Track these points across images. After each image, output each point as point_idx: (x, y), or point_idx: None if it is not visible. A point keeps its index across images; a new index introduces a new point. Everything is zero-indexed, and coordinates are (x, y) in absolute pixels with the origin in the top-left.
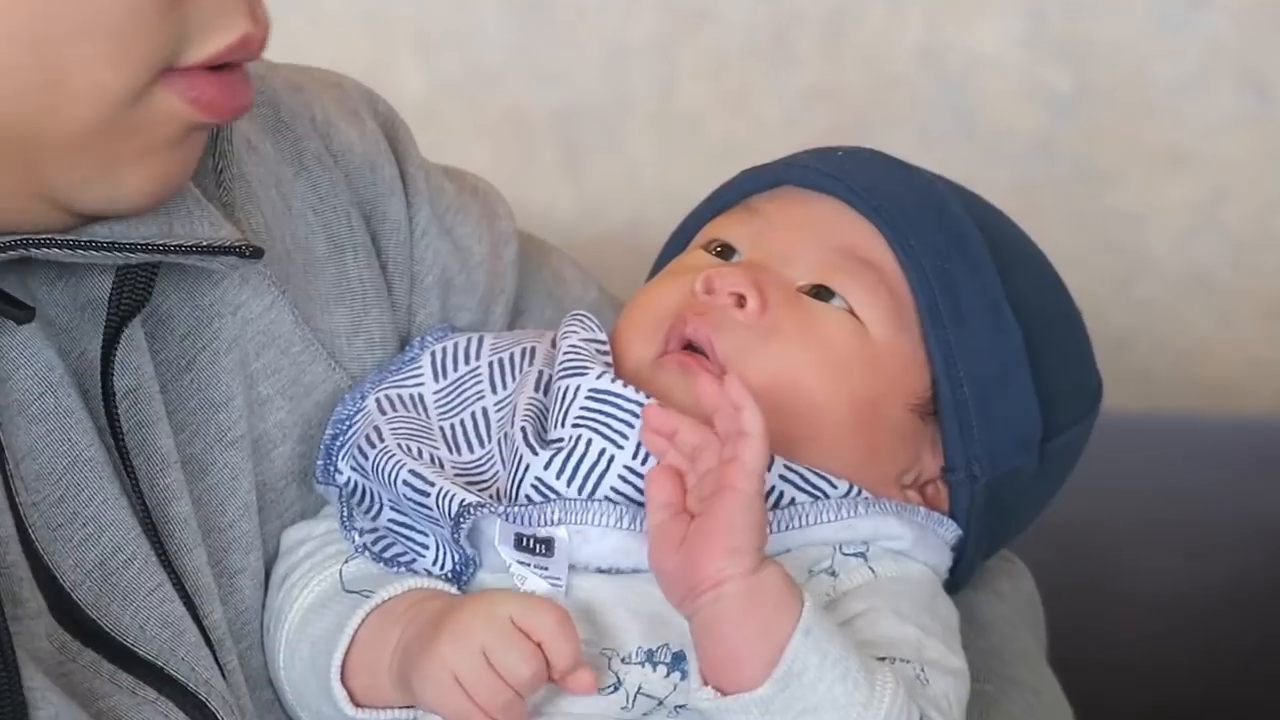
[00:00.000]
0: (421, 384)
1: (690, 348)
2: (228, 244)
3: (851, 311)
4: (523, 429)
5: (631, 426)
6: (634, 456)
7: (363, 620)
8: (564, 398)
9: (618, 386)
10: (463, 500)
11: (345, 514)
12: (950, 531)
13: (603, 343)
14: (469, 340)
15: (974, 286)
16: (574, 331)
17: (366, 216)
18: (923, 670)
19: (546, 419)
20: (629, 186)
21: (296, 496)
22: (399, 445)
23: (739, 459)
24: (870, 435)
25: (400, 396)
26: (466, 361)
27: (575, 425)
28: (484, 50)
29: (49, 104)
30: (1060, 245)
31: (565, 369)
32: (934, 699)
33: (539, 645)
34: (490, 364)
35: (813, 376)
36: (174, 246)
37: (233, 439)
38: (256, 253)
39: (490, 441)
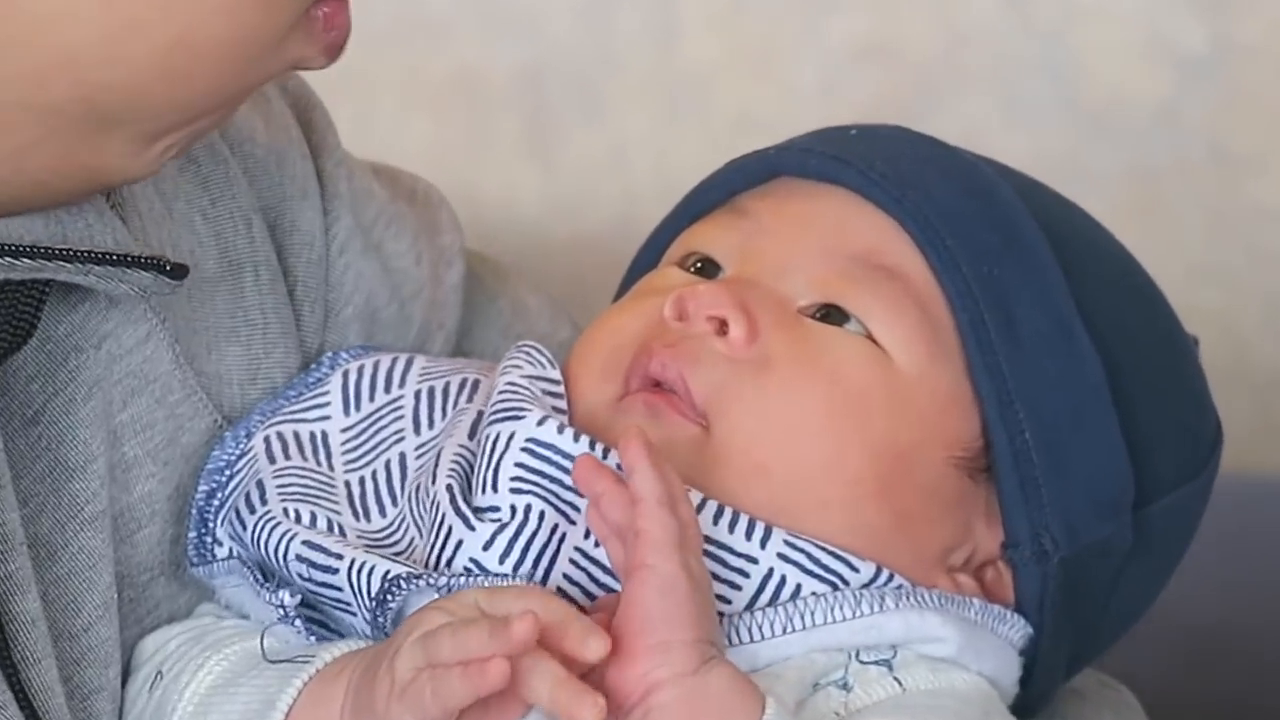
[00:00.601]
0: (327, 417)
1: (660, 388)
2: (143, 256)
3: (870, 336)
4: (448, 488)
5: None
6: (586, 536)
7: (300, 690)
8: (493, 449)
9: (563, 439)
10: (387, 573)
11: (259, 579)
12: (1017, 630)
13: (554, 381)
14: (394, 362)
15: (1033, 297)
16: (516, 366)
17: (271, 226)
18: None
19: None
20: (614, 173)
21: (164, 595)
22: (285, 510)
23: (642, 532)
24: (900, 499)
25: (298, 435)
26: (387, 389)
27: (516, 490)
28: None
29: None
30: (1189, 251)
31: (498, 412)
32: None
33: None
34: (418, 393)
35: (819, 421)
36: (79, 254)
37: (90, 515)
38: (179, 271)
39: (403, 500)
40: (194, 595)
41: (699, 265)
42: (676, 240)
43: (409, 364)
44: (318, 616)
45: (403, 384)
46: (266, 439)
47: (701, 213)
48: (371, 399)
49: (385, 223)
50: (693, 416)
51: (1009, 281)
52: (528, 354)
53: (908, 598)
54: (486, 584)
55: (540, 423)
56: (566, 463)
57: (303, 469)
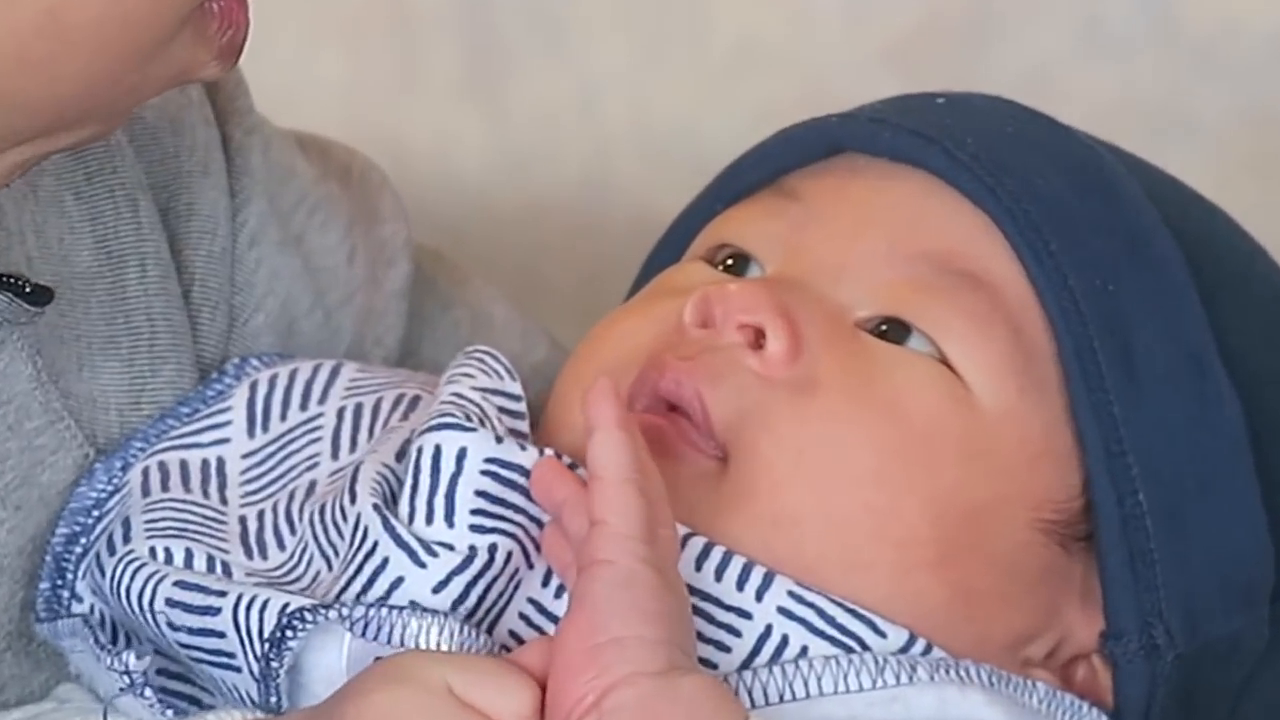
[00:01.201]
0: (226, 440)
1: (672, 411)
2: None
3: (944, 361)
4: (376, 508)
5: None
6: (545, 584)
7: None
8: (436, 468)
9: (529, 456)
10: (286, 606)
11: (102, 641)
12: None
13: (514, 398)
14: (315, 371)
15: (1160, 324)
16: (466, 375)
17: (163, 210)
18: None
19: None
20: (579, 120)
21: (11, 675)
22: (152, 549)
23: (599, 522)
24: (965, 569)
25: (185, 465)
26: (304, 405)
27: (478, 528)
28: None
29: None
30: None
31: (440, 422)
32: None
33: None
34: (341, 411)
35: (870, 464)
36: None
37: None
38: (42, 295)
39: (302, 525)
40: (52, 674)
41: (731, 261)
42: (706, 228)
43: (334, 374)
44: (179, 688)
45: (324, 399)
46: (145, 470)
47: (739, 195)
48: (284, 418)
49: (310, 209)
50: (708, 449)
51: (1130, 302)
52: (480, 361)
53: (945, 670)
54: (421, 628)
55: (500, 440)
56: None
57: (182, 502)
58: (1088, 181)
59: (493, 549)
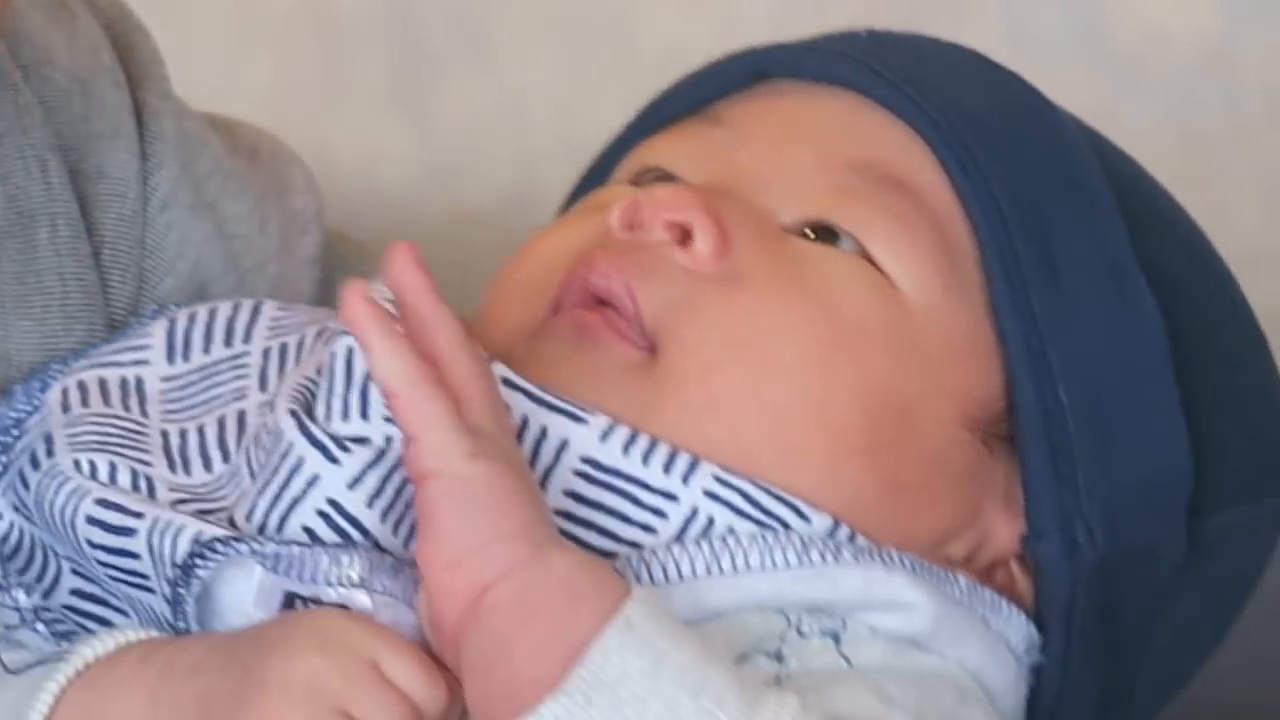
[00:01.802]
0: (145, 362)
1: (601, 305)
2: None
3: (870, 260)
4: (293, 413)
5: None
6: None
7: (58, 697)
8: (350, 366)
9: None
10: (199, 535)
11: (8, 572)
12: (1016, 629)
13: None
14: (235, 310)
15: (1083, 235)
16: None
17: (73, 171)
18: None
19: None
20: (506, 129)
21: None
22: (76, 461)
23: (411, 438)
24: (893, 460)
25: (104, 382)
26: (228, 342)
27: (393, 419)
28: None
29: None
30: (1245, 232)
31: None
32: None
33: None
34: (266, 351)
35: (801, 352)
36: None
37: None
38: None
39: (238, 454)
40: None
41: (656, 181)
42: (629, 155)
43: (255, 313)
44: (94, 610)
45: (248, 338)
46: (65, 390)
47: (665, 124)
48: (206, 351)
49: (223, 177)
50: (637, 339)
51: (1053, 211)
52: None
53: (870, 554)
54: (333, 564)
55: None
56: None
57: (104, 415)
58: (1014, 101)
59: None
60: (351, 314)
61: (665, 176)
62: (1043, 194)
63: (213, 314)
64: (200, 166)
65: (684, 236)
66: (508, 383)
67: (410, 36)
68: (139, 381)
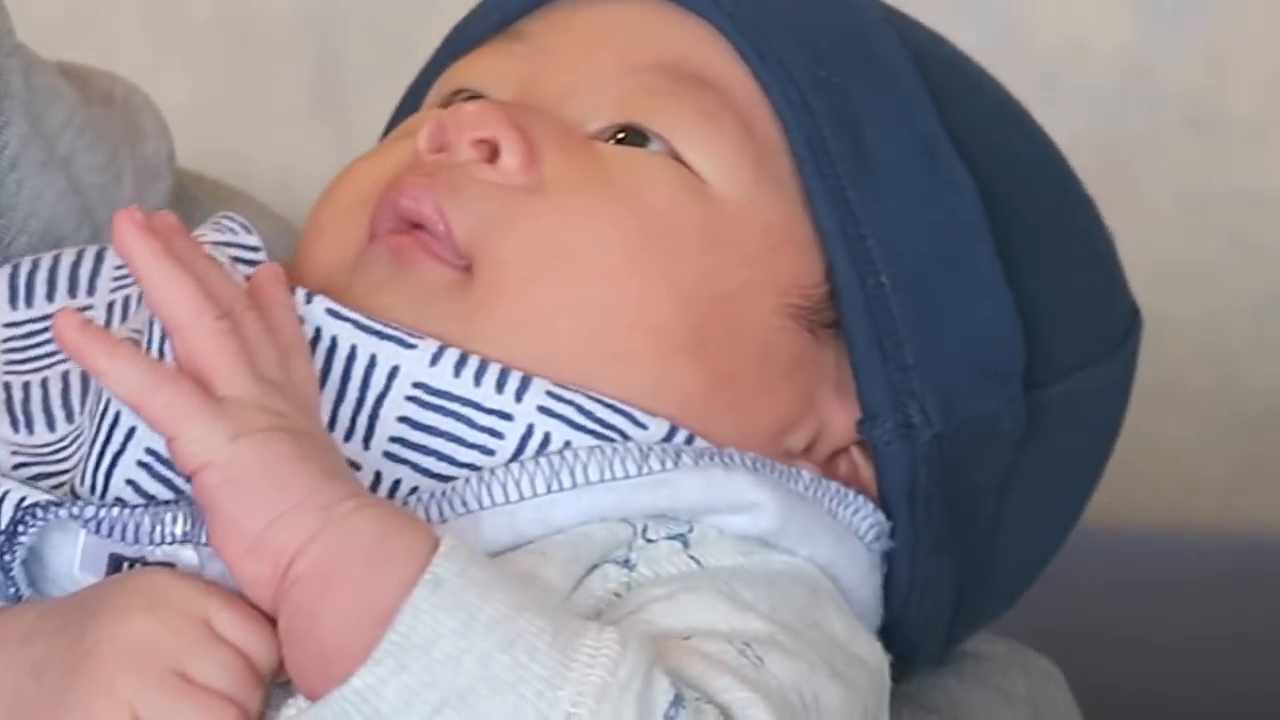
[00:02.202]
0: None
1: (416, 230)
2: None
3: (679, 159)
4: None
5: None
6: None
7: None
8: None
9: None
10: (21, 501)
11: None
12: (864, 517)
13: (249, 248)
14: (79, 257)
15: (889, 113)
16: (198, 235)
17: None
18: (748, 649)
19: None
20: None
21: None
22: None
23: (169, 438)
24: (718, 355)
25: None
26: (72, 292)
27: None
28: None
29: None
30: (1162, 242)
31: None
32: (770, 686)
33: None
34: (111, 305)
35: (614, 255)
36: None
37: None
38: None
39: (82, 414)
40: None
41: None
42: (438, 80)
43: (99, 260)
44: None
45: (92, 289)
46: None
47: (472, 46)
48: (50, 299)
49: (77, 130)
50: (452, 259)
51: (857, 93)
52: (215, 223)
53: (710, 457)
54: (156, 522)
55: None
56: None
57: None
58: None
59: None
60: (71, 342)
61: (474, 97)
62: (846, 78)
63: (56, 260)
64: (52, 121)
65: (491, 153)
66: (333, 313)
67: (329, 50)
68: None
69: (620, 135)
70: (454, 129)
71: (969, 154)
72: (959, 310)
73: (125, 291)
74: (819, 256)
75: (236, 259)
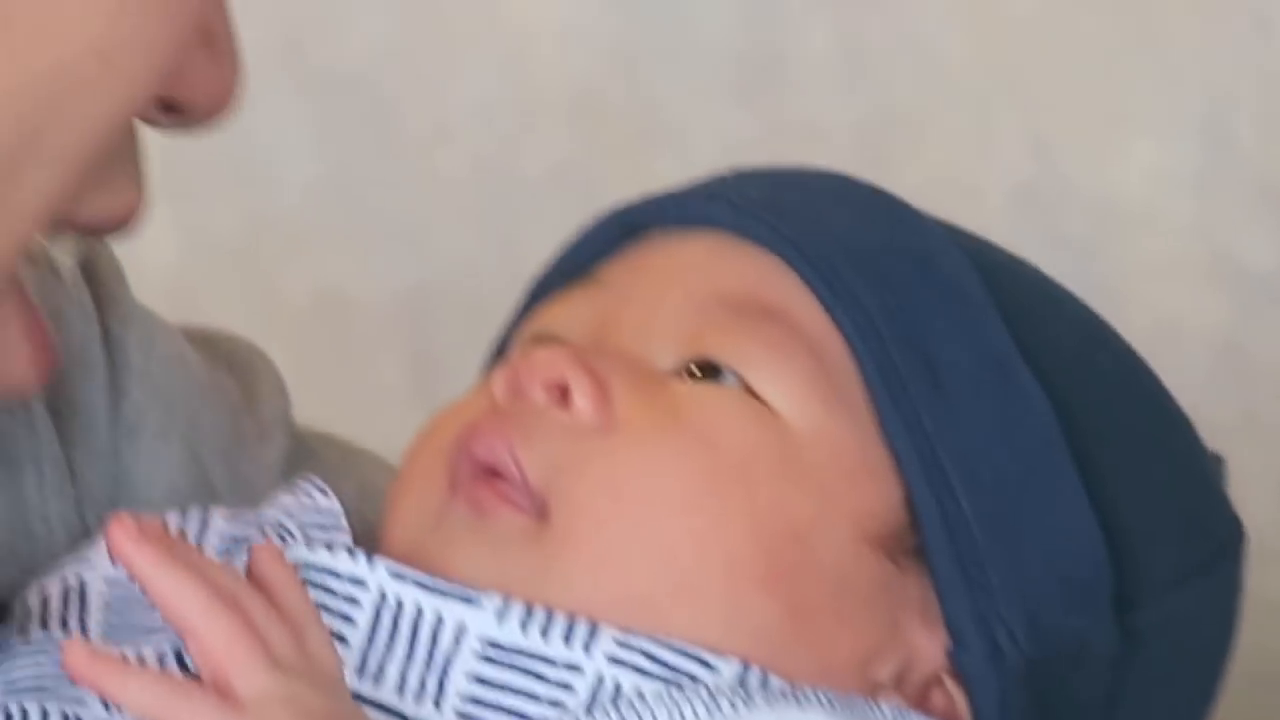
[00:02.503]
0: (89, 563)
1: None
2: None
3: (751, 392)
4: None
5: (350, 622)
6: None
7: None
8: None
9: (335, 559)
10: None
11: None
12: None
13: (330, 513)
14: (184, 520)
15: (958, 332)
16: (274, 501)
17: (49, 409)
18: None
19: None
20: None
21: None
22: (8, 710)
23: None
24: (795, 588)
25: (47, 599)
26: (410, 657)
27: None
28: None
29: None
30: (1257, 529)
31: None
32: None
33: None
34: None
35: (685, 492)
36: None
37: None
38: None
39: None
40: None
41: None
42: (521, 328)
43: (204, 525)
44: None
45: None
46: (21, 602)
47: (551, 292)
48: None
49: (198, 398)
50: (527, 504)
51: (926, 315)
52: (292, 487)
53: (784, 695)
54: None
55: (334, 550)
56: (324, 584)
57: (42, 643)
58: (874, 213)
59: None
60: (83, 674)
61: (554, 340)
62: (913, 301)
63: (162, 524)
64: (172, 389)
65: (563, 396)
66: (395, 575)
67: (426, 333)
68: (82, 586)
69: (694, 370)
70: (526, 374)
71: (1045, 371)
72: (1042, 531)
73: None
74: (897, 482)
75: (314, 524)
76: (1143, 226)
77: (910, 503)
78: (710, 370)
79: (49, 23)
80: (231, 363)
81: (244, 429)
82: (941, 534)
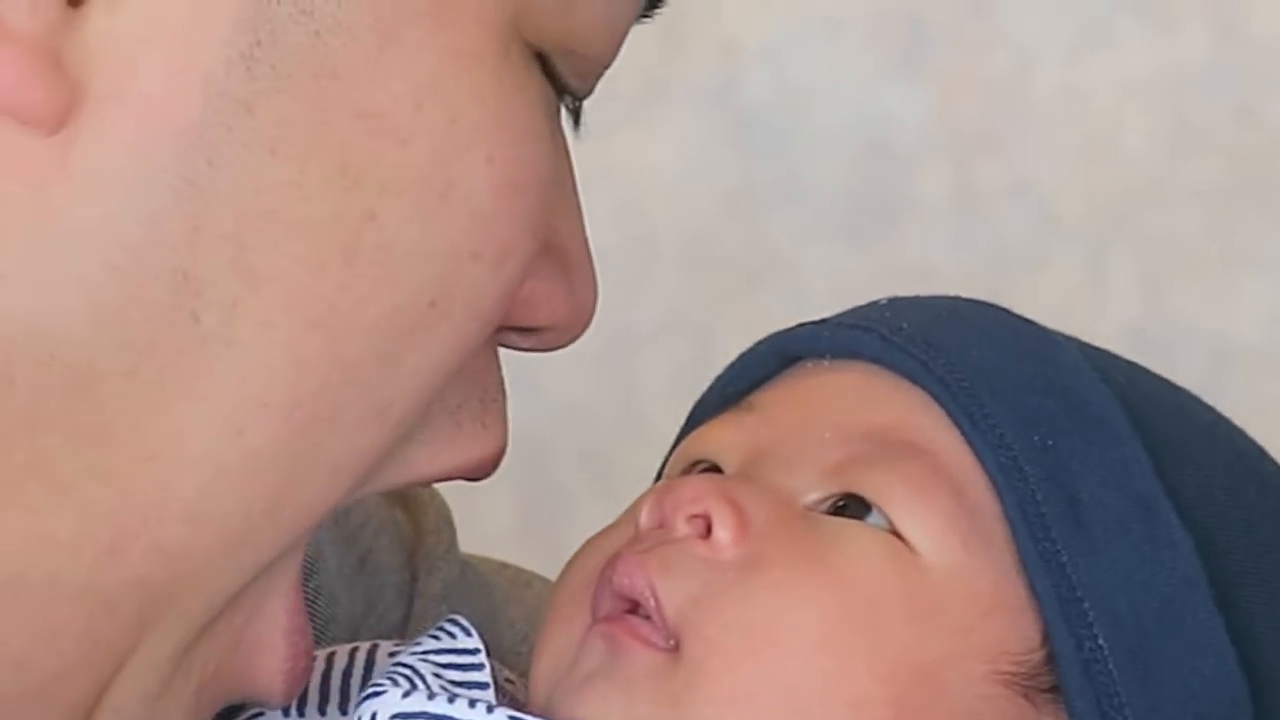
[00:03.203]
0: (260, 714)
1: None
2: None
3: (893, 529)
4: None
5: None
6: None
7: None
8: None
9: (456, 708)
10: None
11: None
12: None
13: (469, 652)
14: (352, 659)
15: (1104, 473)
16: (416, 645)
17: None
18: None
19: None
20: None
21: None
22: None
23: None
24: None
25: None
26: (343, 706)
27: None
28: None
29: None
30: None
31: (369, 690)
32: None
33: None
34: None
35: (816, 633)
36: None
37: None
38: None
39: None
40: None
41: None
42: (675, 451)
43: (370, 662)
44: None
45: (344, 706)
46: None
47: (707, 418)
48: (322, 711)
49: (376, 528)
50: (660, 641)
51: (1070, 454)
52: (435, 630)
53: None
54: None
55: (407, 694)
56: None
57: None
58: (1022, 349)
59: None
60: None
61: (710, 466)
62: (1058, 438)
63: (330, 662)
64: (354, 518)
65: (706, 528)
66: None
67: (540, 470)
68: None
69: (840, 504)
70: (670, 504)
71: (1189, 508)
72: (1180, 669)
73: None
74: (1034, 621)
75: (449, 664)
76: (1259, 366)
77: (1048, 641)
78: (858, 505)
79: (388, 264)
80: (404, 499)
81: (418, 564)
82: (1078, 672)
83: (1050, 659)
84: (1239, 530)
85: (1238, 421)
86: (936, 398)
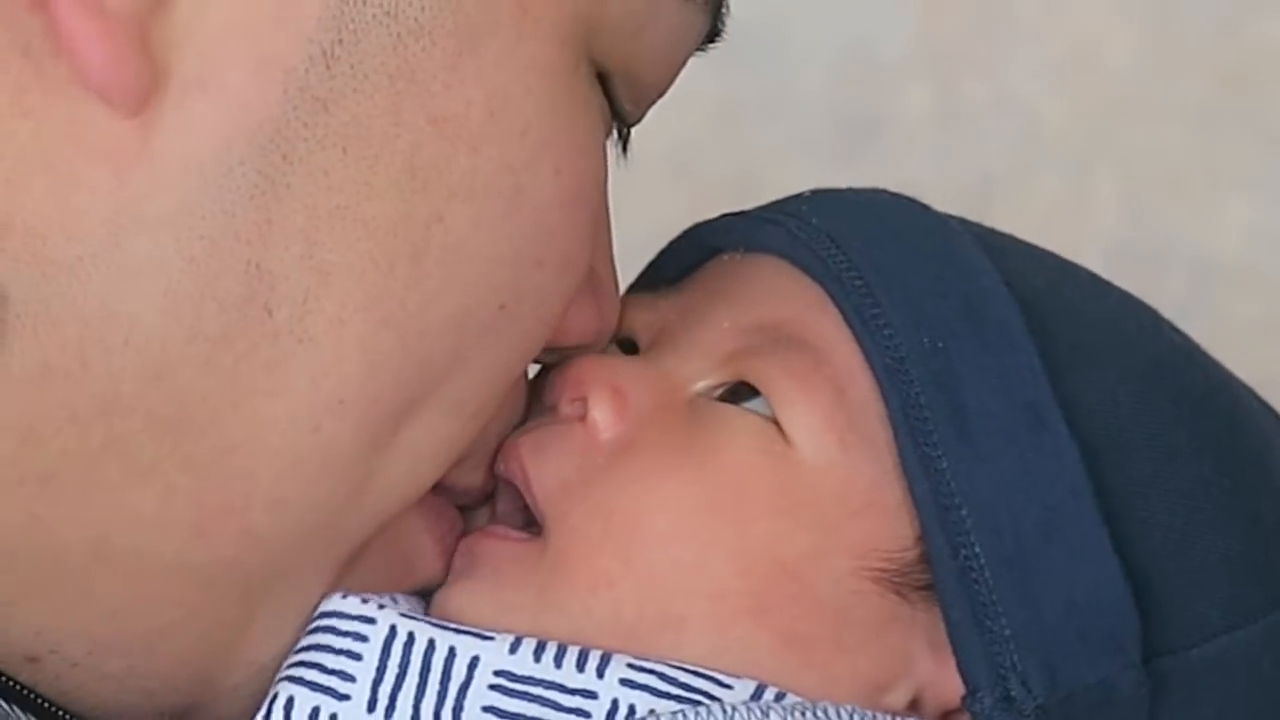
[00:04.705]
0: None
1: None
2: None
3: (776, 420)
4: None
5: (357, 658)
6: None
7: None
8: None
9: (347, 603)
10: None
11: None
12: None
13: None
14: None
15: (994, 380)
16: None
17: None
18: None
19: None
20: None
21: None
22: None
23: None
24: (786, 618)
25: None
26: (422, 688)
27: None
28: None
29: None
30: None
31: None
32: None
33: None
34: None
35: (676, 520)
36: None
37: None
38: None
39: None
40: None
41: (623, 349)
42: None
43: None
44: None
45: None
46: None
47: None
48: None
49: None
50: (516, 534)
51: (961, 359)
52: None
53: (801, 713)
54: None
55: (344, 596)
56: (334, 628)
57: None
58: (929, 249)
59: (275, 696)
60: None
61: (628, 341)
62: (951, 341)
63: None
64: None
65: (585, 410)
66: (407, 616)
67: None
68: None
69: (731, 393)
70: (559, 385)
71: (1085, 416)
72: (1059, 579)
73: None
74: (910, 523)
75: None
76: (1240, 285)
77: (921, 542)
78: (748, 393)
79: (456, 266)
80: None
81: None
82: (953, 579)
83: (925, 559)
84: (1143, 439)
85: (1217, 339)
86: (832, 295)
